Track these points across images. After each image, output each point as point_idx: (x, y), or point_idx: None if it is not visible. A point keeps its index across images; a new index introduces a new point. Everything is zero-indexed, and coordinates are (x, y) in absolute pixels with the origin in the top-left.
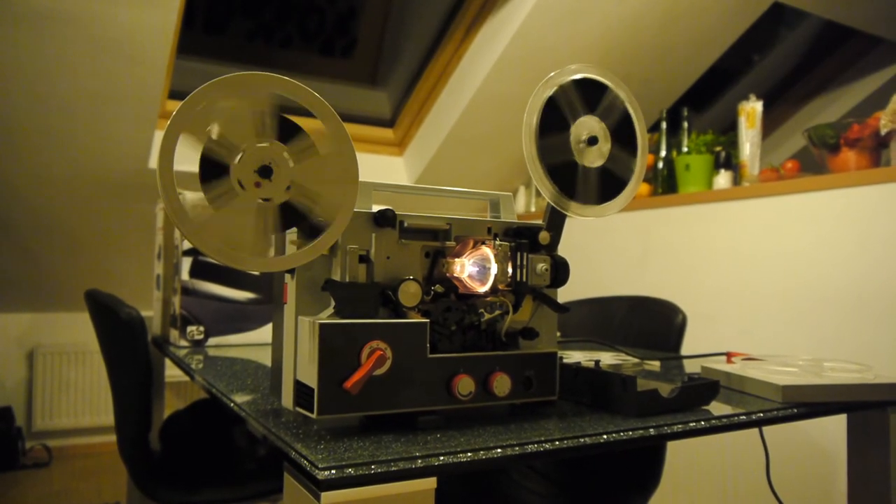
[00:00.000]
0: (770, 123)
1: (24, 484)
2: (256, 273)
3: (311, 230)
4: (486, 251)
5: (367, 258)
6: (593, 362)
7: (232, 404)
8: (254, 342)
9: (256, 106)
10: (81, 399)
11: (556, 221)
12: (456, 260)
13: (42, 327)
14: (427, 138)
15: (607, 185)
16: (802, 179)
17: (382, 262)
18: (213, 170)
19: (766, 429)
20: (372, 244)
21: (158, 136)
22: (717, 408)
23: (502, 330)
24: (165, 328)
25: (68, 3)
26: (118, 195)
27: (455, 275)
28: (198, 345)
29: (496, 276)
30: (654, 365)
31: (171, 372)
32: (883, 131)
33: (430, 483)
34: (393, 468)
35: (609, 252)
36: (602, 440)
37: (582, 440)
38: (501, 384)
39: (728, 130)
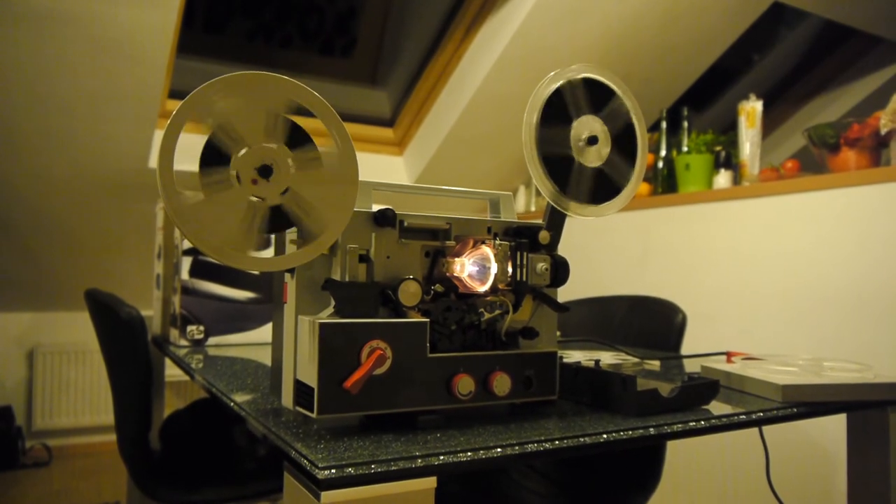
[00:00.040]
0: (770, 123)
1: (24, 483)
2: (256, 272)
3: (280, 244)
4: (486, 251)
5: (367, 258)
6: (593, 362)
7: (232, 404)
8: (254, 342)
9: (272, 106)
10: (81, 398)
11: (555, 221)
12: (456, 259)
13: (42, 327)
14: (427, 138)
15: (607, 184)
16: (802, 179)
17: (382, 262)
18: (214, 156)
19: (765, 428)
20: (372, 244)
21: (158, 135)
22: (717, 407)
23: (502, 329)
24: (165, 327)
25: (68, 3)
26: (118, 195)
27: (455, 274)
28: (198, 344)
29: (496, 275)
30: (654, 364)
31: (171, 371)
32: (883, 131)
33: (430, 482)
34: (393, 468)
35: (609, 252)
36: (602, 440)
37: (582, 440)
38: (501, 384)
39: (728, 130)
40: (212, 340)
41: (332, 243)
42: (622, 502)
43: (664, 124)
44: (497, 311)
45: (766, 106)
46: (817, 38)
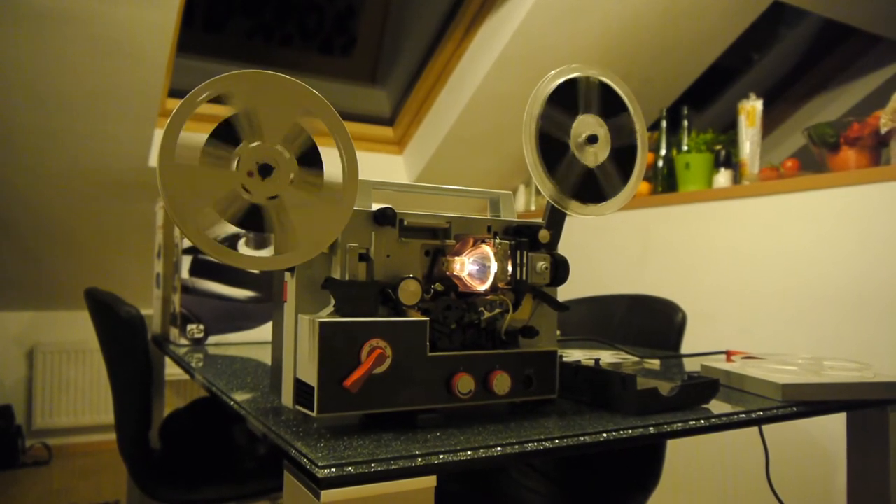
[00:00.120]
0: (770, 122)
1: (24, 482)
2: (256, 271)
3: (257, 242)
4: (486, 249)
5: (367, 256)
6: (593, 361)
7: (232, 403)
8: (254, 340)
9: (302, 120)
10: (81, 397)
11: (555, 220)
12: (456, 258)
13: (42, 326)
14: (427, 137)
15: (607, 183)
16: (802, 178)
17: (382, 261)
18: (227, 135)
19: (765, 427)
20: (372, 242)
21: (158, 134)
22: (717, 406)
23: (502, 328)
24: (165, 326)
25: (68, 2)
26: (118, 194)
27: (455, 273)
28: (198, 343)
29: (496, 274)
30: (654, 363)
31: (171, 370)
32: (883, 130)
33: (430, 481)
34: (393, 466)
35: (609, 251)
36: (602, 439)
37: (582, 439)
38: (501, 382)
39: (728, 129)
40: (212, 339)
41: (332, 242)
42: (622, 501)
43: (664, 123)
44: (497, 310)
45: (766, 105)
46: (817, 38)
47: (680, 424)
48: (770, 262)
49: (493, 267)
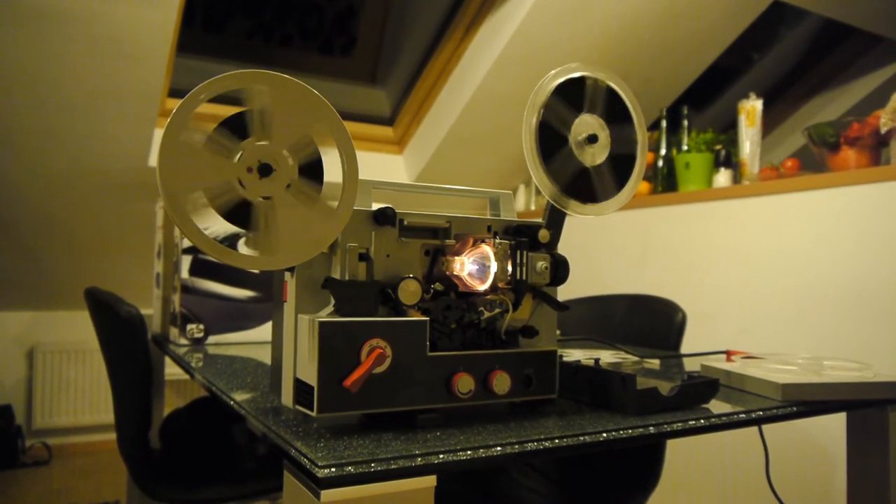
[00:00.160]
0: (770, 122)
1: (23, 482)
2: (256, 271)
3: (231, 238)
4: (486, 249)
5: (367, 256)
6: (593, 360)
7: (232, 402)
8: (254, 340)
9: (316, 132)
10: (81, 397)
11: (555, 219)
12: (456, 258)
13: (42, 326)
14: (427, 136)
15: (607, 183)
16: (802, 178)
17: (382, 261)
18: (237, 127)
19: (765, 427)
20: (372, 242)
21: (158, 134)
22: (717, 406)
23: (502, 328)
24: (165, 326)
25: (68, 2)
26: (118, 193)
27: (455, 273)
28: (197, 343)
29: (496, 274)
30: (654, 363)
31: (171, 370)
32: (883, 130)
33: (430, 481)
34: (393, 466)
35: (609, 250)
36: (602, 438)
37: (581, 438)
38: (501, 382)
39: (728, 129)
40: (212, 339)
41: (332, 242)
42: (622, 501)
43: (664, 123)
44: (497, 310)
45: (766, 105)
46: (817, 37)
47: (680, 424)
48: (770, 262)
49: (493, 267)
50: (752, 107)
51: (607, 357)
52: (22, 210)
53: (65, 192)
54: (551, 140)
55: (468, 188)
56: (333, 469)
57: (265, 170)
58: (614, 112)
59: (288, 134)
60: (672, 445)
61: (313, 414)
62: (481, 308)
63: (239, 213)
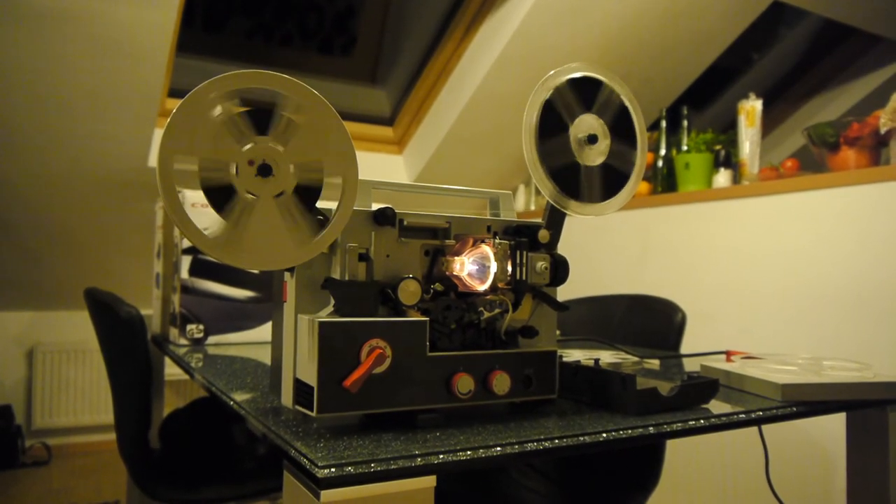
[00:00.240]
0: (770, 122)
1: (23, 482)
2: (256, 271)
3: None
4: (486, 249)
5: (367, 256)
6: (593, 361)
7: (231, 403)
8: (253, 340)
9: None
10: (81, 397)
11: (555, 220)
12: (455, 258)
13: (42, 326)
14: (427, 136)
15: (607, 183)
16: (802, 178)
17: (382, 261)
18: (220, 193)
19: (765, 427)
20: (371, 242)
21: (158, 134)
22: (717, 406)
23: (502, 328)
24: (165, 326)
25: (68, 2)
26: (118, 193)
27: (455, 273)
28: (197, 343)
29: (496, 274)
30: (654, 363)
31: (171, 370)
32: (882, 130)
33: (430, 481)
34: (392, 466)
35: (608, 250)
36: (601, 439)
37: (581, 439)
38: (501, 382)
39: (728, 129)
40: (211, 339)
41: (332, 242)
42: (622, 501)
43: (664, 123)
44: (497, 310)
45: (765, 105)
46: (817, 37)
47: (680, 424)
48: (770, 262)
49: (493, 267)
50: (752, 107)
51: (607, 357)
52: (22, 210)
53: (65, 192)
54: (551, 140)
55: (468, 188)
56: (333, 469)
57: (265, 170)
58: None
59: (303, 151)
60: (672, 445)
61: (313, 414)
62: (481, 308)
63: (219, 194)
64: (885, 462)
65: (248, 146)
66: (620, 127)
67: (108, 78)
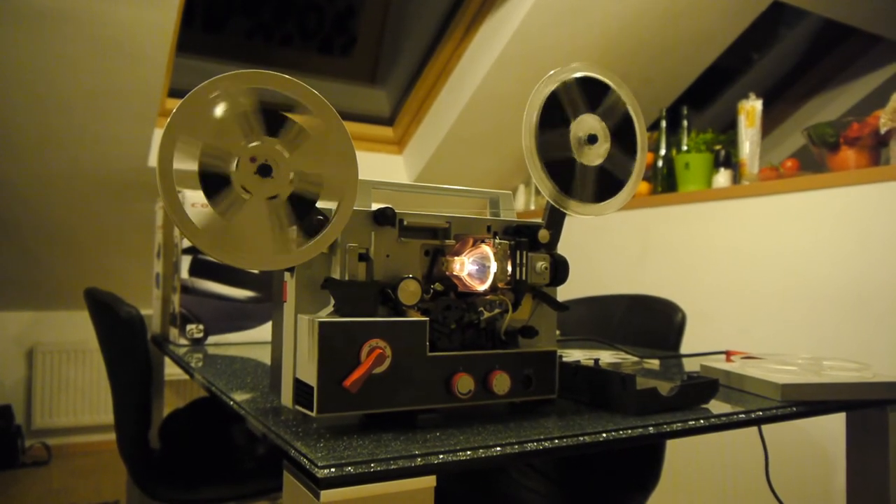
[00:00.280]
0: (770, 122)
1: (23, 482)
2: (256, 271)
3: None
4: (486, 249)
5: (367, 256)
6: (592, 361)
7: (231, 402)
8: (253, 340)
9: (238, 108)
10: (81, 397)
11: (555, 220)
12: (455, 258)
13: (42, 326)
14: (426, 137)
15: (607, 183)
16: (802, 178)
17: (382, 261)
18: (214, 182)
19: (765, 427)
20: (371, 242)
21: (158, 134)
22: (717, 406)
23: (502, 328)
24: (165, 326)
25: (68, 2)
26: (118, 193)
27: (454, 273)
28: (197, 343)
29: (496, 274)
30: (654, 363)
31: (171, 370)
32: (882, 130)
33: (430, 481)
34: (392, 466)
35: (608, 250)
36: (601, 439)
37: (581, 439)
38: (501, 382)
39: (728, 129)
40: (211, 339)
41: (332, 242)
42: (622, 501)
43: (664, 123)
44: (496, 310)
45: (765, 105)
46: (817, 37)
47: (679, 424)
48: (770, 262)
49: (493, 267)
50: (752, 107)
51: (607, 357)
52: (22, 210)
53: (65, 193)
54: (551, 140)
55: (468, 188)
56: (333, 469)
57: (265, 170)
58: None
59: (307, 162)
60: (672, 445)
61: (313, 414)
62: (481, 308)
63: (300, 206)
64: (885, 462)
65: (254, 143)
66: (622, 134)
67: (108, 78)
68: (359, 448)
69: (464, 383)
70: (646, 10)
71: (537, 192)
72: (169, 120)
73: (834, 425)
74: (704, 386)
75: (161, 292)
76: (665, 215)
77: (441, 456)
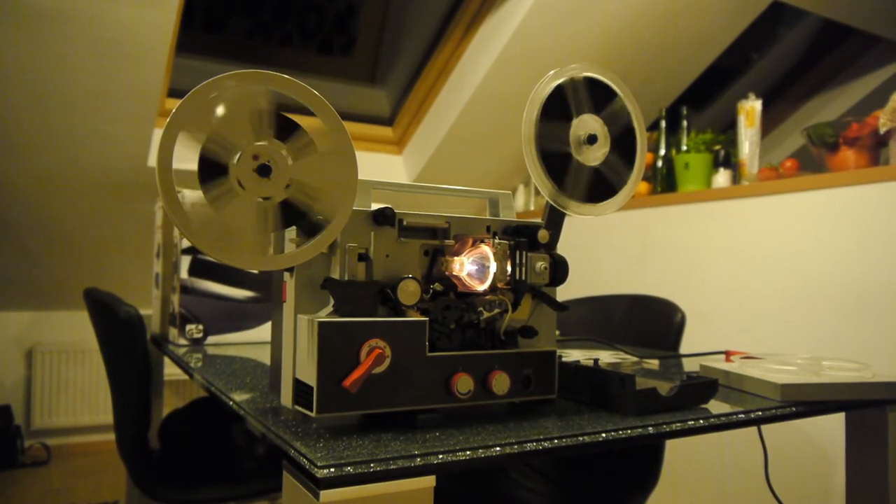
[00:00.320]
0: (769, 122)
1: (22, 482)
2: (255, 271)
3: (310, 228)
4: (486, 249)
5: (367, 256)
6: (592, 361)
7: (231, 403)
8: (253, 340)
9: (254, 104)
10: (80, 397)
11: (554, 220)
12: (455, 258)
13: (41, 326)
14: (426, 137)
15: (606, 183)
16: (801, 178)
17: (381, 261)
18: (212, 169)
19: (764, 427)
20: (371, 242)
21: (157, 134)
22: (716, 406)
23: (501, 328)
24: (164, 326)
25: (68, 2)
26: (117, 193)
27: (454, 273)
28: (197, 343)
29: (495, 274)
30: (653, 363)
31: (170, 370)
32: (882, 130)
33: (429, 481)
34: (392, 466)
35: (608, 250)
36: (601, 439)
37: (581, 439)
38: (500, 382)
39: (727, 129)
40: (211, 339)
41: (332, 242)
42: (621, 501)
43: (663, 123)
44: (496, 310)
45: (765, 105)
46: (816, 38)
47: (679, 424)
48: (769, 262)
49: (493, 267)
50: (752, 107)
51: (606, 357)
52: (21, 210)
53: (64, 192)
54: (550, 140)
55: (467, 188)
56: (332, 469)
57: (264, 169)
58: (613, 113)
59: (309, 174)
60: (671, 445)
61: (312, 414)
62: (480, 308)
63: (289, 214)
64: (884, 462)
65: (261, 142)
66: (621, 132)
67: (107, 78)
68: (358, 448)
69: (463, 383)
70: (646, 10)
71: (537, 193)
72: (168, 120)
73: (833, 425)
74: (704, 386)
75: (160, 292)
76: (664, 215)
77: (441, 456)
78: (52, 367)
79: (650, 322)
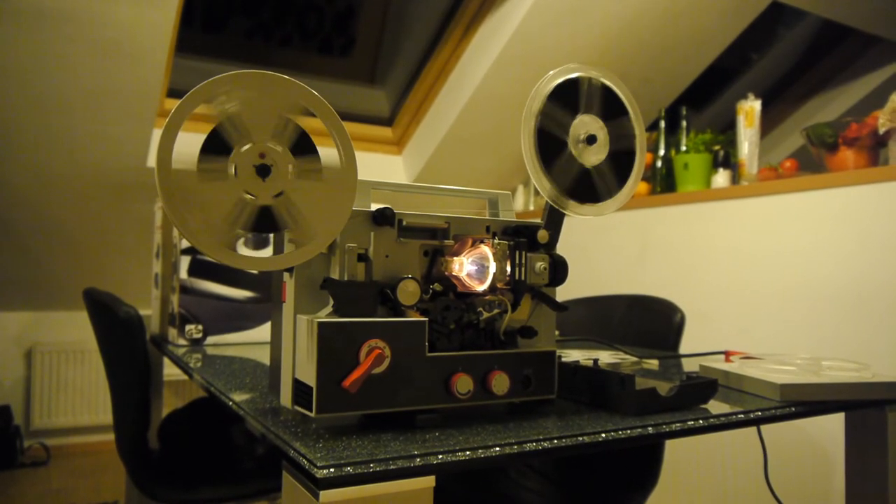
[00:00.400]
0: (768, 122)
1: (22, 483)
2: (255, 272)
3: (278, 243)
4: (485, 250)
5: (366, 257)
6: (592, 361)
7: (230, 403)
8: (252, 341)
9: (284, 109)
10: (80, 398)
11: (554, 220)
12: (454, 258)
13: (40, 326)
14: (426, 137)
15: (606, 183)
16: (801, 178)
17: (381, 261)
18: (217, 145)
19: (764, 427)
20: (371, 243)
21: (157, 134)
22: (716, 406)
23: (501, 328)
24: (164, 327)
25: (68, 2)
26: (117, 193)
27: (454, 273)
28: (196, 343)
29: (495, 274)
30: (653, 363)
31: (170, 371)
32: (881, 130)
33: (429, 482)
34: (391, 467)
35: (607, 251)
36: (600, 439)
37: (580, 439)
38: (500, 383)
39: (727, 129)
40: (210, 339)
41: (331, 242)
42: (621, 501)
43: (663, 123)
44: (496, 311)
45: (764, 105)
46: (815, 38)
47: (678, 424)
48: (769, 262)
49: (492, 267)
50: (751, 107)
51: (606, 357)
52: (21, 210)
53: (64, 193)
54: (550, 141)
55: (467, 188)
56: (332, 469)
57: (264, 170)
58: (613, 113)
59: (303, 197)
60: (671, 445)
61: (312, 414)
62: (480, 308)
63: (265, 221)
64: (884, 462)
65: (275, 146)
66: (620, 132)
67: (107, 78)
68: (358, 448)
69: (463, 383)
70: (646, 10)
71: (536, 193)
72: (168, 120)
73: (833, 425)
74: (703, 386)
75: (160, 292)
76: (664, 215)
77: (440, 456)
78: (51, 368)
79: (650, 322)
